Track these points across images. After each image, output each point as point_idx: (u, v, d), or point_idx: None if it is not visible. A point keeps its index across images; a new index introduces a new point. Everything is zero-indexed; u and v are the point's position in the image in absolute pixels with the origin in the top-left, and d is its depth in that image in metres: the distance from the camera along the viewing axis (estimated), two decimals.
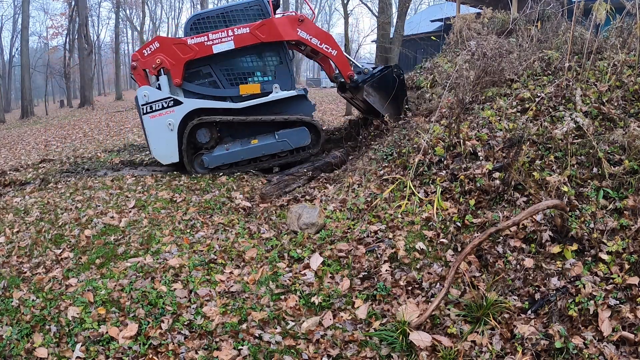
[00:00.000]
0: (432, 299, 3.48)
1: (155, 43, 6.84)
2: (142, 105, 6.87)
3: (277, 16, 6.96)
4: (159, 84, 7.00)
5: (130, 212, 5.52)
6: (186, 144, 6.90)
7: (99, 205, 6.05)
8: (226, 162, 6.95)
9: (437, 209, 4.43)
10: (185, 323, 3.40)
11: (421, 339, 3.11)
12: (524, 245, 3.77)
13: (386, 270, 3.86)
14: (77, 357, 3.10)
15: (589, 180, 4.10)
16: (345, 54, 7.58)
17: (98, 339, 3.24)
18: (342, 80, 7.32)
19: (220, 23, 6.91)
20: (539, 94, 5.36)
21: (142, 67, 6.90)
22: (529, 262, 3.58)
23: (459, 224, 4.22)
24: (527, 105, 5.30)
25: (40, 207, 6.31)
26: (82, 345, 3.19)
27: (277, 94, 6.91)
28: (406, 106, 6.97)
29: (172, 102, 6.81)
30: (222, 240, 4.63)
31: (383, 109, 7.05)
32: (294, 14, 7.23)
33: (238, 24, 6.86)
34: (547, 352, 2.92)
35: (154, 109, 6.85)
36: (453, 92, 6.13)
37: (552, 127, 4.71)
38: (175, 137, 6.88)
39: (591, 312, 3.07)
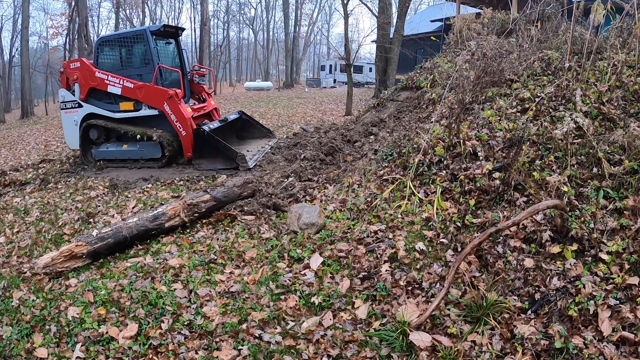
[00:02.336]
0: (432, 299, 3.48)
1: (77, 63, 9.31)
2: (60, 102, 9.44)
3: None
4: (73, 90, 9.26)
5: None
6: (83, 137, 9.19)
7: (99, 205, 6.05)
8: (105, 158, 9.08)
9: (437, 209, 4.43)
10: (185, 323, 3.40)
11: (421, 339, 3.10)
12: (524, 245, 3.77)
13: (386, 270, 3.86)
14: (77, 357, 3.10)
15: (589, 180, 4.10)
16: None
17: (98, 339, 3.24)
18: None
19: (116, 46, 9.15)
20: (539, 94, 5.36)
21: (66, 75, 9.29)
22: (529, 262, 3.58)
23: (459, 224, 4.22)
24: (527, 105, 5.30)
25: (40, 207, 6.32)
26: (82, 345, 3.18)
27: (145, 111, 8.87)
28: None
29: (77, 104, 9.25)
30: (222, 241, 4.62)
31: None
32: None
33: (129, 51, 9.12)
34: (547, 352, 2.92)
35: (67, 106, 9.35)
36: (453, 92, 6.13)
37: (552, 127, 4.71)
38: (78, 131, 9.15)
39: (591, 312, 3.07)
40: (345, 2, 16.44)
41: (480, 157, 4.73)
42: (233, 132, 10.00)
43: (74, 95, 9.26)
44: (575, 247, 3.56)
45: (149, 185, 6.98)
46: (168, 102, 8.47)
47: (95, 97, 9.22)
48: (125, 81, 8.79)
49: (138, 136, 8.77)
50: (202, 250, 4.46)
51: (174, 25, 9.75)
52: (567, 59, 5.74)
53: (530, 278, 3.47)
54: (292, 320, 3.45)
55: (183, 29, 10.21)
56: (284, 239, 4.55)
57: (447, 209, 4.41)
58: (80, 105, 9.22)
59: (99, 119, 9.08)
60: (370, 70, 33.95)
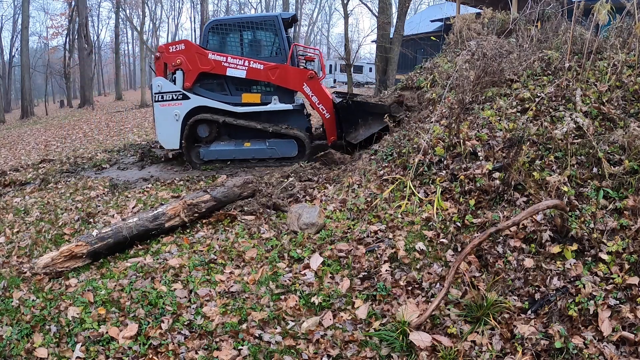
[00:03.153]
0: (432, 299, 3.48)
1: (181, 45, 7.74)
2: (155, 93, 7.74)
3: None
4: (174, 78, 7.74)
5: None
6: (188, 136, 7.76)
7: (99, 205, 6.05)
8: (219, 158, 7.80)
9: (437, 209, 4.43)
10: (185, 323, 3.40)
11: (421, 339, 3.10)
12: (524, 245, 3.77)
13: (386, 270, 3.86)
14: (77, 357, 3.10)
15: (589, 180, 4.10)
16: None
17: (98, 339, 3.24)
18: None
19: (236, 31, 7.91)
20: (539, 94, 5.36)
21: (164, 61, 7.74)
22: (529, 262, 3.58)
23: (459, 224, 4.22)
24: (527, 105, 5.30)
25: (40, 207, 6.32)
26: (82, 346, 3.18)
27: (275, 105, 7.78)
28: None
29: (181, 96, 7.64)
30: (222, 240, 4.62)
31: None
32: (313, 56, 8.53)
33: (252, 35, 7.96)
34: (547, 352, 2.92)
35: (164, 98, 7.68)
36: (453, 92, 6.13)
37: (552, 127, 4.71)
38: (179, 127, 7.70)
39: (591, 312, 3.07)
40: (345, 2, 16.43)
41: (480, 157, 4.73)
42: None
43: (175, 84, 7.76)
44: (575, 247, 3.56)
45: (149, 186, 6.98)
46: (309, 83, 7.69)
47: (206, 86, 7.88)
48: (252, 62, 7.62)
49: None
50: (202, 250, 4.46)
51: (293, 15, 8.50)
52: (567, 59, 5.74)
53: (530, 278, 3.47)
54: (292, 320, 3.45)
55: (296, 19, 9.36)
56: (284, 239, 4.55)
57: (447, 209, 4.41)
58: (184, 97, 7.66)
59: (212, 113, 7.75)
60: (370, 70, 33.94)
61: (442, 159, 4.95)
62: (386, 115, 6.58)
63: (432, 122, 5.68)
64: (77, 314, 3.47)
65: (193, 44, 7.81)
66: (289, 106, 7.79)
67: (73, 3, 30.73)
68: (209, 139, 7.91)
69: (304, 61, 8.62)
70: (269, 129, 7.78)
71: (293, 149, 7.82)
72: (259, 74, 7.60)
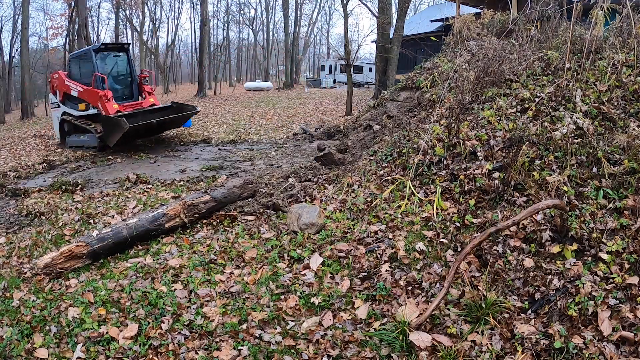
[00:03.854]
0: (432, 299, 3.48)
1: (56, 75, 13.08)
2: (52, 102, 13.65)
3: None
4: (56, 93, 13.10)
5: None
6: (60, 129, 13.07)
7: (99, 206, 6.05)
8: (74, 145, 12.45)
9: (437, 209, 4.43)
10: (186, 323, 3.40)
11: (421, 339, 3.10)
12: (524, 245, 3.77)
13: (386, 270, 3.86)
14: (78, 358, 3.10)
15: (588, 180, 4.10)
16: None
17: (98, 339, 3.24)
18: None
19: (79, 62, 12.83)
20: (538, 94, 5.36)
21: (52, 84, 13.25)
22: (529, 262, 3.58)
23: (458, 224, 4.22)
24: (527, 105, 5.30)
25: (41, 207, 6.31)
26: (82, 346, 3.18)
27: (91, 110, 11.92)
28: None
29: (56, 105, 13.18)
30: (222, 241, 4.63)
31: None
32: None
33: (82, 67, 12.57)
34: (547, 352, 2.92)
35: (53, 106, 13.50)
36: (453, 92, 6.13)
37: (552, 127, 4.71)
38: (58, 124, 13.15)
39: (591, 312, 3.07)
40: (345, 2, 16.44)
41: (480, 157, 4.73)
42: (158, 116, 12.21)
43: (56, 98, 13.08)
44: (575, 246, 3.56)
45: (150, 186, 6.98)
46: (100, 100, 11.39)
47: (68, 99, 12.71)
48: (79, 86, 12.14)
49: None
50: (202, 251, 4.46)
51: (118, 42, 14.73)
52: (567, 58, 5.74)
53: (530, 278, 3.47)
54: (292, 320, 3.45)
55: (128, 44, 13.97)
56: (284, 239, 4.55)
57: (447, 209, 4.41)
58: (59, 105, 12.96)
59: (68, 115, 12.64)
60: (370, 70, 33.96)
61: (442, 159, 4.96)
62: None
63: (432, 122, 5.68)
64: (78, 314, 3.47)
65: (62, 74, 12.97)
66: (94, 111, 11.92)
67: (73, 4, 30.70)
68: (69, 133, 12.76)
69: (143, 79, 13.15)
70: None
71: (94, 140, 11.67)
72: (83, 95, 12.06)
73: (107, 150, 11.33)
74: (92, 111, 11.78)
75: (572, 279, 3.33)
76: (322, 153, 7.56)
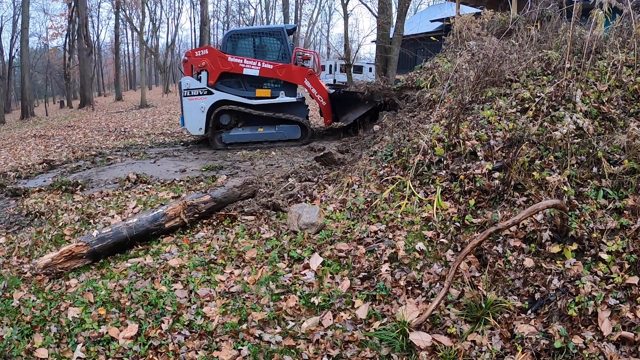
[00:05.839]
0: (432, 299, 3.48)
1: (205, 50, 10.36)
2: (184, 89, 10.16)
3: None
4: (199, 77, 10.05)
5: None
6: (213, 123, 10.18)
7: (99, 206, 6.05)
8: (238, 141, 10.17)
9: (437, 209, 4.43)
10: (186, 323, 3.40)
11: (421, 339, 3.10)
12: (524, 245, 3.77)
13: (386, 270, 3.86)
14: (78, 358, 3.10)
15: (588, 180, 4.10)
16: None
17: (98, 339, 3.24)
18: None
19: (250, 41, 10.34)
20: (538, 94, 5.36)
21: (191, 63, 10.16)
22: (529, 262, 3.58)
23: (458, 224, 4.22)
24: (527, 105, 5.30)
25: (41, 207, 6.31)
26: (82, 346, 3.18)
27: (282, 98, 10.15)
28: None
29: (206, 92, 10.06)
30: (222, 241, 4.62)
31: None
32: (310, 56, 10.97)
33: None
34: (547, 351, 2.92)
35: (192, 94, 10.12)
36: (453, 92, 6.13)
37: (552, 127, 4.71)
38: (204, 117, 10.09)
39: (591, 312, 3.07)
40: (345, 2, 16.44)
41: (480, 157, 4.73)
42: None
43: (200, 82, 10.15)
44: (575, 246, 3.56)
45: (150, 186, 6.98)
46: (309, 78, 10.14)
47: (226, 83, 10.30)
48: (263, 63, 10.06)
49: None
50: (202, 251, 4.46)
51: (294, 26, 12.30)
52: (567, 58, 5.74)
53: (530, 278, 3.47)
54: (292, 320, 3.45)
55: (295, 27, 12.67)
56: (284, 239, 4.55)
57: (447, 209, 4.41)
58: (209, 92, 10.12)
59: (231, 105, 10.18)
60: (370, 70, 33.91)
61: (442, 159, 4.96)
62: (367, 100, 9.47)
63: (432, 122, 5.68)
64: (78, 314, 3.47)
65: (214, 49, 10.21)
66: (292, 99, 10.08)
67: (73, 4, 30.72)
68: (229, 126, 10.23)
69: (302, 60, 10.78)
70: (282, 116, 10.13)
71: (297, 132, 10.15)
72: (269, 72, 9.95)
73: (312, 141, 9.95)
74: (285, 99, 10.05)
75: (572, 279, 3.33)
76: (322, 153, 7.56)
